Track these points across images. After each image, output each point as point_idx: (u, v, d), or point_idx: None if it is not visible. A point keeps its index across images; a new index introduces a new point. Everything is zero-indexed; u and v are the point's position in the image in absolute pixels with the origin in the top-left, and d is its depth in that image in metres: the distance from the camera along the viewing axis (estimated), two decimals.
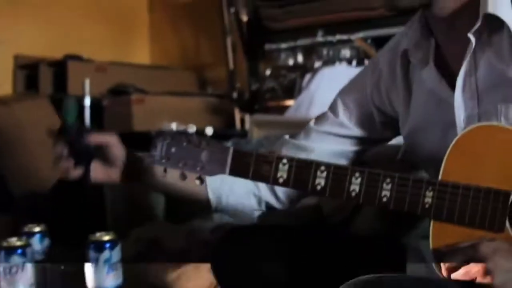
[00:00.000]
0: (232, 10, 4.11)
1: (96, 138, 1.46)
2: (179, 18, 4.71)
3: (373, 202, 1.28)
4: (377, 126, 1.57)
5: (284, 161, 1.33)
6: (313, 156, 1.50)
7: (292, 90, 3.81)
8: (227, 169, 1.35)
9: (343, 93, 1.62)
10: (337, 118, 1.58)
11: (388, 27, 3.43)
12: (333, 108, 1.61)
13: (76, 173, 1.45)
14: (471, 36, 1.29)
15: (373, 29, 3.50)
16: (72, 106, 1.49)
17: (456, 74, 1.34)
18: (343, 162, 1.58)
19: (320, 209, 2.30)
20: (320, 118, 1.62)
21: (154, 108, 3.69)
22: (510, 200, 1.18)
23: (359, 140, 1.60)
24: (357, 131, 1.58)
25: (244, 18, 4.18)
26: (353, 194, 1.28)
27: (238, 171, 1.36)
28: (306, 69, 3.80)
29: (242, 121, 3.96)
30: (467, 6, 1.31)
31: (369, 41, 3.46)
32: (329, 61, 3.70)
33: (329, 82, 3.56)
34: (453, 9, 1.32)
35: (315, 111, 3.47)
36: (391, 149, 1.81)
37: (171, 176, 1.42)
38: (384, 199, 1.26)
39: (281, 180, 1.33)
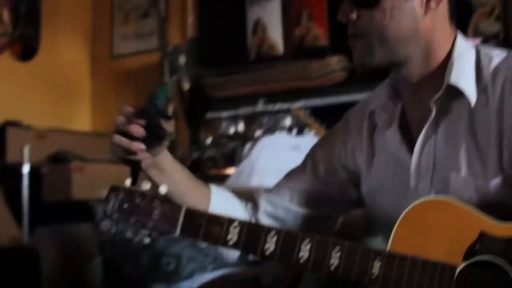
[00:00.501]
0: (174, 78, 4.14)
1: (170, 127, 1.42)
2: (122, 84, 4.71)
3: (321, 270, 1.28)
4: (342, 183, 1.58)
5: (236, 224, 1.33)
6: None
7: (233, 159, 3.82)
8: (178, 229, 1.34)
9: (313, 149, 1.64)
10: (305, 173, 1.60)
11: (326, 96, 3.52)
12: (303, 164, 1.62)
13: (144, 155, 1.39)
14: (432, 104, 1.34)
15: (312, 99, 3.57)
16: (165, 91, 1.45)
17: (416, 140, 1.38)
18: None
19: (259, 279, 2.30)
20: (289, 175, 1.64)
21: (95, 176, 3.64)
22: (456, 274, 1.19)
23: (324, 199, 1.60)
24: (323, 188, 1.59)
25: (186, 86, 4.23)
26: (302, 260, 1.28)
27: (189, 231, 1.35)
28: (247, 137, 3.83)
29: None
30: (433, 74, 1.37)
31: (308, 111, 3.52)
32: (270, 130, 3.75)
33: (270, 151, 3.59)
34: (421, 76, 1.38)
35: (255, 180, 3.49)
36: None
37: (182, 184, 1.46)
38: (332, 267, 1.26)
39: (231, 243, 1.33)
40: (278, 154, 3.59)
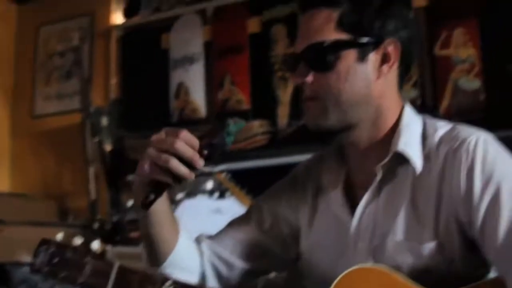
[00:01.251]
0: (96, 139, 4.09)
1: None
2: (42, 145, 4.63)
3: None
4: (284, 239, 1.58)
5: (169, 283, 1.32)
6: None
7: None
8: (110, 285, 1.31)
9: (259, 201, 1.63)
10: (249, 225, 1.59)
11: (248, 160, 3.55)
12: (248, 215, 1.62)
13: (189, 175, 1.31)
14: (378, 169, 1.37)
15: (234, 162, 3.59)
16: (236, 130, 1.39)
17: (359, 203, 1.42)
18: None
19: None
20: (232, 225, 1.63)
21: (13, 238, 3.53)
22: None
23: (266, 253, 1.59)
24: (266, 241, 1.58)
25: (108, 148, 4.19)
26: None
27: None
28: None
29: (104, 252, 3.86)
30: (381, 141, 1.41)
31: (229, 174, 3.53)
32: (191, 193, 3.73)
33: (191, 214, 3.58)
34: (369, 141, 1.42)
35: None
36: None
37: (160, 221, 1.42)
38: None
39: None
40: (199, 218, 3.57)
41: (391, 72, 1.42)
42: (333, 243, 1.47)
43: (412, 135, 1.41)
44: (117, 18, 4.53)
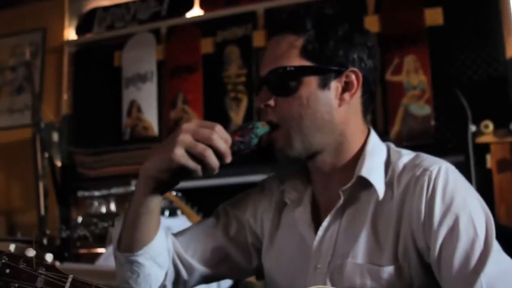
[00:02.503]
0: (46, 155, 4.08)
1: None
2: None
3: None
4: (247, 247, 1.59)
5: None
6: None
7: (104, 238, 3.77)
8: None
9: (226, 206, 1.62)
10: (216, 228, 1.58)
11: (198, 179, 3.56)
12: (215, 218, 1.60)
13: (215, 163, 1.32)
14: (341, 193, 1.39)
15: (184, 181, 3.60)
16: (261, 134, 1.39)
17: (322, 223, 1.43)
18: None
19: None
20: (199, 227, 1.61)
21: None
22: None
23: (227, 259, 1.58)
24: (229, 247, 1.58)
25: (58, 163, 4.18)
26: None
27: None
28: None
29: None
30: (345, 166, 1.43)
31: (179, 193, 3.55)
32: None
33: None
34: (333, 166, 1.44)
35: None
36: None
37: (152, 211, 1.40)
38: None
39: None
40: None
41: (354, 100, 1.43)
42: (293, 262, 1.47)
43: (375, 161, 1.42)
44: (70, 34, 4.53)
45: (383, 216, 1.37)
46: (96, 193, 3.93)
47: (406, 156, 1.42)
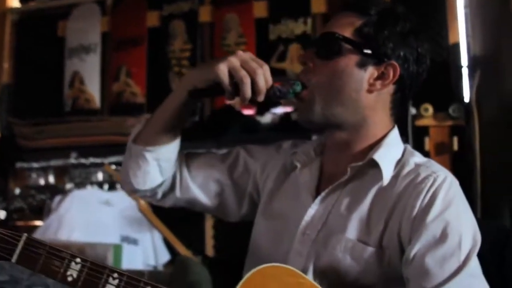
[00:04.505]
0: None
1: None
2: None
3: None
4: (244, 191, 1.69)
5: (78, 260, 1.31)
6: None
7: (41, 211, 3.73)
8: (15, 256, 1.30)
9: (240, 149, 1.72)
10: (223, 163, 1.69)
11: None
12: (225, 155, 1.71)
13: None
14: (349, 169, 1.46)
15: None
16: (297, 92, 1.48)
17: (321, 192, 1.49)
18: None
19: None
20: (208, 157, 1.72)
21: None
22: None
23: (222, 194, 1.69)
24: (228, 185, 1.68)
25: None
26: None
27: (25, 260, 1.30)
28: (57, 190, 3.77)
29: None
30: (360, 151, 1.50)
31: (118, 167, 3.53)
32: (81, 184, 3.71)
33: (80, 205, 3.55)
34: (348, 145, 1.51)
35: (64, 234, 3.43)
36: None
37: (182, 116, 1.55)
38: None
39: (70, 279, 1.30)
40: (88, 209, 3.55)
41: (385, 93, 1.48)
42: (286, 223, 1.53)
43: (390, 153, 1.48)
44: (13, 1, 4.42)
45: (381, 202, 1.43)
46: (35, 165, 3.87)
47: (418, 157, 1.49)
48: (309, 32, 3.59)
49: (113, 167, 3.57)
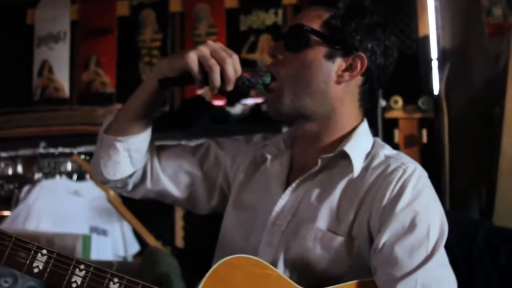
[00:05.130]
0: None
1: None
2: None
3: None
4: (214, 184, 1.71)
5: (44, 251, 1.32)
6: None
7: (10, 201, 3.69)
8: None
9: (211, 142, 1.75)
10: (194, 155, 1.72)
11: None
12: (196, 147, 1.74)
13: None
14: (320, 160, 1.49)
15: (94, 145, 3.53)
16: (266, 84, 1.51)
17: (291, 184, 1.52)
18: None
19: None
20: (178, 150, 1.74)
21: None
22: None
23: (191, 187, 1.71)
24: (197, 177, 1.70)
25: None
26: None
27: None
28: (25, 180, 3.72)
29: None
30: (330, 140, 1.53)
31: (87, 157, 3.51)
32: (50, 174, 3.67)
33: (48, 195, 3.52)
34: (317, 137, 1.54)
35: (32, 224, 3.39)
36: None
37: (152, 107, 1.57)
38: None
39: (36, 270, 1.31)
40: (57, 199, 3.52)
41: (352, 84, 1.52)
42: (256, 214, 1.56)
43: (360, 144, 1.52)
44: None
45: (351, 193, 1.46)
46: (3, 154, 3.81)
47: (388, 150, 1.53)
48: (280, 23, 3.59)
49: (83, 157, 3.54)
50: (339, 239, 1.42)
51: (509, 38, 2.82)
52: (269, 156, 1.61)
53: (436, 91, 3.30)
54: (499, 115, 2.81)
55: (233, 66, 1.44)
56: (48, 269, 1.32)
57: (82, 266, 1.32)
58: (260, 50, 3.58)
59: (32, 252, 1.32)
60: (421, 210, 1.38)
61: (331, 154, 1.49)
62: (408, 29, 3.41)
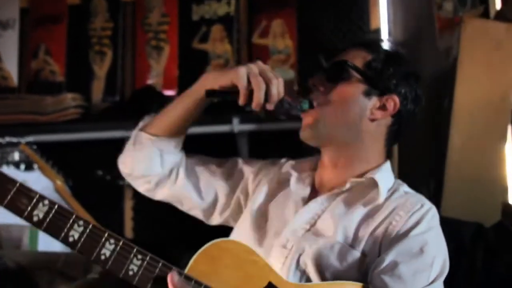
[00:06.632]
0: None
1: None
2: None
3: (119, 272, 1.34)
4: (235, 199, 1.81)
5: (46, 201, 1.34)
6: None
7: None
8: None
9: (240, 160, 1.88)
10: (220, 167, 1.85)
11: (56, 133, 3.48)
12: (225, 161, 1.87)
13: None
14: (349, 183, 1.62)
15: (42, 134, 3.50)
16: (303, 110, 1.63)
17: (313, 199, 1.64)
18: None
19: None
20: (210, 159, 1.87)
21: None
22: None
23: (211, 187, 1.82)
24: (219, 179, 1.82)
25: None
26: (103, 257, 1.34)
27: None
28: None
29: None
30: (356, 170, 1.66)
31: (34, 146, 3.45)
32: None
33: None
34: (345, 162, 1.67)
35: None
36: None
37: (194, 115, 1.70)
38: (131, 273, 1.34)
39: (35, 219, 1.34)
40: None
41: (382, 124, 1.66)
42: (272, 223, 1.65)
43: (386, 178, 1.65)
44: None
45: (371, 216, 1.57)
46: None
47: (407, 188, 1.68)
48: (232, 13, 3.57)
49: (30, 147, 3.48)
50: (356, 254, 1.51)
51: (459, 32, 2.85)
52: (294, 174, 1.73)
53: None
54: (447, 107, 2.83)
55: (277, 87, 1.53)
56: (47, 219, 1.34)
57: (81, 222, 1.35)
58: (212, 40, 3.57)
59: (34, 200, 1.34)
60: (430, 242, 1.49)
61: (362, 179, 1.62)
62: (360, 21, 3.43)
